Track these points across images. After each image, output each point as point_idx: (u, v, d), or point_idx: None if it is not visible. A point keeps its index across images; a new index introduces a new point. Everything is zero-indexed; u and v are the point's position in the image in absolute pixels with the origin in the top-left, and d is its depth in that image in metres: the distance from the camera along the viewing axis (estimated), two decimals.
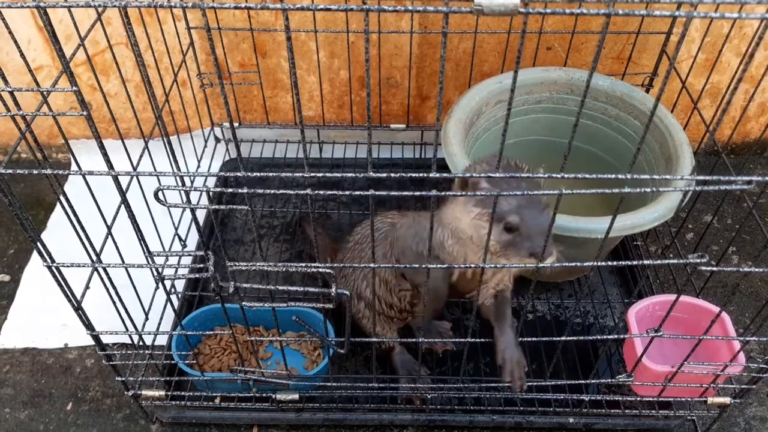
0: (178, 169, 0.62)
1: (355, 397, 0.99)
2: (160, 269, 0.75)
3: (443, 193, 0.58)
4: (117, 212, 0.86)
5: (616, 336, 0.91)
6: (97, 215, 0.83)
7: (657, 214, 0.93)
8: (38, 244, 0.68)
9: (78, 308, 0.76)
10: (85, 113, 0.57)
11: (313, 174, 0.57)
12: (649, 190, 0.58)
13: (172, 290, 0.93)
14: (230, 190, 0.57)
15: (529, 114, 1.21)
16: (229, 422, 1.00)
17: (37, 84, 0.71)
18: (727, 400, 0.93)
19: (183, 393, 0.96)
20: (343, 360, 1.06)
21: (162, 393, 0.94)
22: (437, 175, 0.56)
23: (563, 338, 0.80)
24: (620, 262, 0.70)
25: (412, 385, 0.97)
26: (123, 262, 0.78)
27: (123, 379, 0.90)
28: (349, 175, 0.59)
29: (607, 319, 1.13)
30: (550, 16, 1.23)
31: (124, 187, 0.72)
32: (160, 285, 0.90)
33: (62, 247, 0.85)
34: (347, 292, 0.71)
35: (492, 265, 0.72)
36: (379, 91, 1.36)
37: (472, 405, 0.99)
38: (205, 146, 1.36)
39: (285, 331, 1.06)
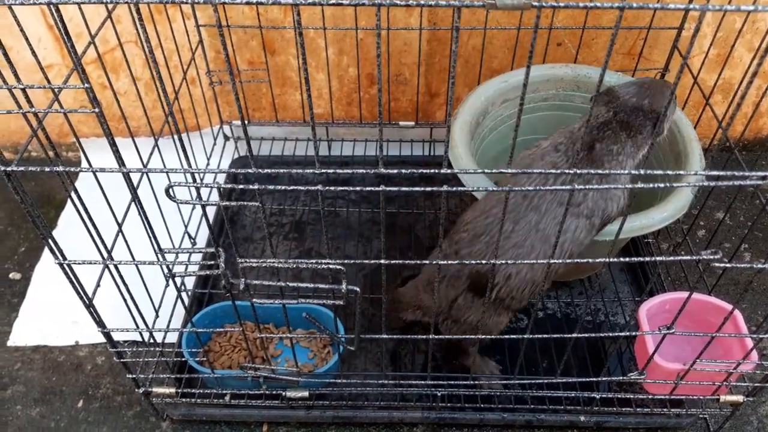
0: (189, 165, 0.62)
1: (365, 394, 0.99)
2: (170, 266, 0.75)
3: (454, 189, 0.58)
4: (127, 210, 0.86)
5: (627, 333, 0.91)
6: (107, 213, 0.83)
7: (667, 213, 0.92)
8: (50, 241, 0.68)
9: (89, 305, 0.76)
10: (97, 110, 0.57)
11: (323, 171, 0.57)
12: (661, 185, 0.57)
13: (183, 287, 0.94)
14: (241, 186, 0.57)
15: (536, 112, 1.21)
16: (239, 419, 1.01)
17: (49, 82, 0.71)
18: (739, 398, 0.92)
19: (193, 390, 0.96)
20: (353, 357, 1.06)
21: (172, 390, 0.95)
22: (448, 171, 0.56)
23: (574, 335, 0.80)
24: (631, 259, 0.69)
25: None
26: (134, 259, 0.78)
27: (134, 376, 0.91)
28: (360, 171, 0.58)
29: (618, 317, 1.13)
30: (561, 12, 1.22)
31: (134, 185, 0.72)
32: (171, 282, 0.90)
33: (73, 245, 0.85)
34: (357, 289, 0.71)
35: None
36: (388, 88, 1.36)
37: (482, 403, 0.98)
38: (214, 144, 1.36)
39: (295, 329, 1.06)
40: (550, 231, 0.80)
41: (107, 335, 0.82)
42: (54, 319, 1.15)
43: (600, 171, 0.58)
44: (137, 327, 0.85)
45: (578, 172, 0.57)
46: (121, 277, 0.79)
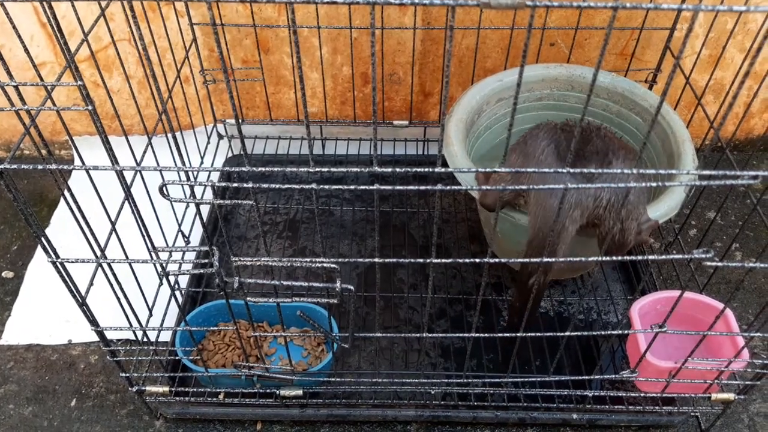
0: (183, 164, 0.62)
1: (359, 392, 0.99)
2: (164, 265, 0.75)
3: (448, 188, 0.58)
4: (121, 208, 0.86)
5: (619, 332, 0.91)
6: (100, 211, 0.83)
7: (659, 212, 0.92)
8: (43, 239, 0.68)
9: (83, 304, 0.76)
10: (90, 108, 0.57)
11: (317, 169, 0.57)
12: (654, 184, 0.58)
13: (176, 286, 0.93)
14: (235, 185, 0.57)
15: (530, 111, 1.21)
16: (233, 418, 1.01)
17: (41, 79, 0.71)
18: (730, 396, 0.93)
19: (187, 389, 0.96)
20: (347, 356, 1.06)
21: (166, 389, 0.95)
22: (443, 170, 0.56)
23: (566, 334, 0.80)
24: (623, 258, 0.70)
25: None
26: (127, 258, 0.78)
27: (127, 375, 0.90)
28: (354, 170, 0.58)
29: (610, 316, 1.13)
30: (554, 12, 1.23)
31: (128, 183, 0.72)
32: (164, 281, 0.90)
33: (66, 244, 0.85)
34: (351, 288, 0.71)
35: None
36: (382, 87, 1.36)
37: (476, 401, 0.99)
38: (208, 142, 1.36)
39: (288, 327, 1.06)
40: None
41: (100, 334, 0.82)
42: (47, 317, 1.15)
43: (593, 170, 0.58)
44: (131, 326, 0.84)
45: (571, 171, 0.57)
46: (114, 275, 0.79)
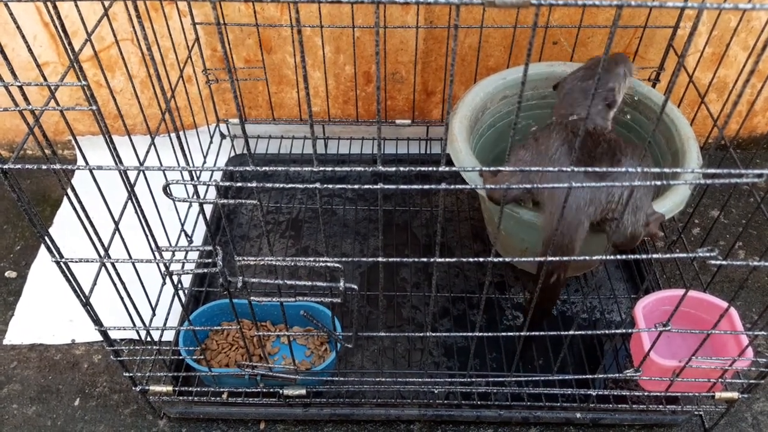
0: (187, 163, 0.62)
1: (362, 392, 0.99)
2: (167, 264, 0.75)
3: (452, 187, 0.58)
4: (124, 208, 0.86)
5: (623, 331, 0.91)
6: (104, 211, 0.83)
7: (664, 209, 0.92)
8: (46, 239, 0.68)
9: (86, 304, 0.76)
10: (94, 108, 0.57)
11: (321, 169, 0.57)
12: (659, 183, 0.58)
13: (180, 285, 0.93)
14: (239, 184, 0.57)
15: (534, 110, 1.21)
16: (237, 417, 1.01)
17: (45, 79, 0.71)
18: (734, 395, 0.93)
19: (190, 388, 0.96)
20: (350, 355, 1.06)
21: (169, 388, 0.95)
22: (446, 169, 0.56)
23: (570, 332, 0.80)
24: (627, 257, 0.70)
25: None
26: (130, 257, 0.78)
27: (130, 374, 0.90)
28: (358, 169, 0.58)
29: (613, 314, 1.13)
30: (557, 10, 1.23)
31: (131, 183, 0.72)
32: (168, 280, 0.90)
33: (69, 244, 0.85)
34: (355, 287, 0.71)
35: None
36: (385, 86, 1.36)
37: (479, 400, 0.99)
38: (211, 142, 1.36)
39: (292, 326, 1.06)
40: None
41: (104, 333, 0.82)
42: (50, 317, 1.15)
43: (597, 169, 0.58)
44: (134, 325, 0.84)
45: (575, 170, 0.57)
46: (118, 275, 0.79)
